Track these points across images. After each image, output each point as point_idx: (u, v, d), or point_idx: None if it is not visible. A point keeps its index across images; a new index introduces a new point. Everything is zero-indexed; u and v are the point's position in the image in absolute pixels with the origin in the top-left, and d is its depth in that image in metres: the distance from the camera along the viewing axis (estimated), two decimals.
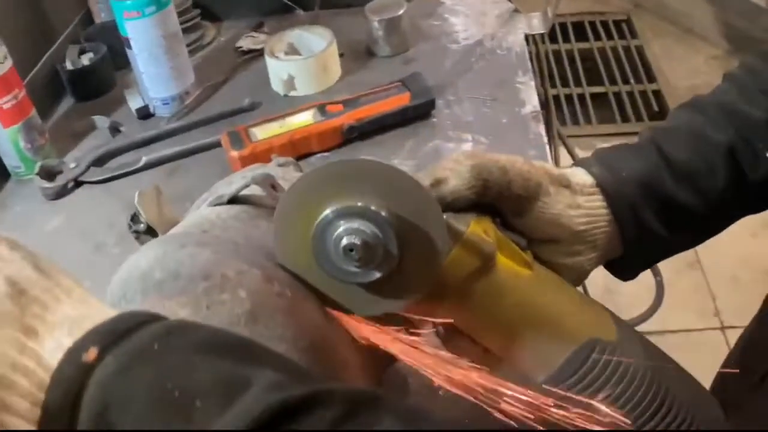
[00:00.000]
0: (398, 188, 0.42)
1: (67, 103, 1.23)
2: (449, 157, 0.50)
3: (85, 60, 1.22)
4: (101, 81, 1.22)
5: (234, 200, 0.55)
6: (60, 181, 1.04)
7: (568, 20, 2.90)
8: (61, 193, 1.04)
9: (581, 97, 2.59)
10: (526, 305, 0.48)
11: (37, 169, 1.03)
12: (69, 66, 1.21)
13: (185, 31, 1.18)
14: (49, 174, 1.05)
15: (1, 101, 0.98)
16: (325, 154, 1.02)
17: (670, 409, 0.46)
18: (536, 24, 1.22)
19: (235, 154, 0.97)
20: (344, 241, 0.42)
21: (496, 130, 1.01)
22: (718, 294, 1.99)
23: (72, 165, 1.05)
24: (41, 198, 1.04)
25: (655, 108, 2.49)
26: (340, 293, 0.45)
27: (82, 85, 1.22)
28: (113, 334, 0.35)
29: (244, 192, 0.55)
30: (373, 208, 0.42)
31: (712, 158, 0.54)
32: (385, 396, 0.36)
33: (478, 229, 0.47)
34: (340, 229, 0.42)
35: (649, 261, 0.57)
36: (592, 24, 2.89)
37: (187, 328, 0.37)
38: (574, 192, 0.52)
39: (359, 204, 0.42)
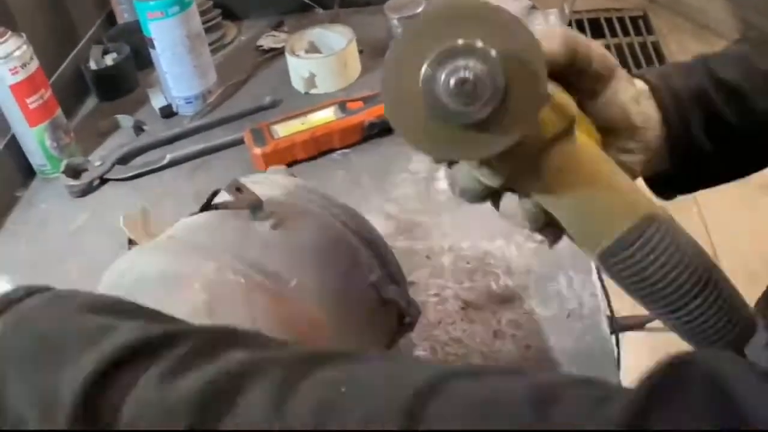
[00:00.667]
0: (504, 26, 0.43)
1: (91, 102, 1.26)
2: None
3: (109, 60, 1.25)
4: (124, 81, 1.25)
5: (206, 207, 0.64)
6: (85, 178, 1.06)
7: (585, 17, 2.89)
8: (87, 190, 1.06)
9: None
10: (596, 175, 0.49)
11: (62, 167, 1.06)
12: (93, 66, 1.23)
13: (207, 30, 1.20)
14: (74, 172, 1.07)
15: (28, 101, 1.01)
16: (346, 150, 1.03)
17: (717, 299, 0.46)
18: (553, 20, 1.23)
19: (257, 151, 0.98)
20: (453, 79, 0.43)
21: None
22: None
23: (97, 163, 1.08)
24: (67, 196, 1.06)
25: None
26: (447, 139, 0.46)
27: (106, 84, 1.24)
28: (6, 303, 0.41)
29: (217, 200, 0.64)
30: (480, 45, 0.43)
31: (759, 83, 0.55)
32: (246, 332, 0.40)
33: (564, 94, 0.48)
34: (450, 67, 0.43)
35: (694, 182, 0.58)
36: (609, 21, 2.89)
37: (72, 295, 0.43)
38: (637, 91, 0.54)
39: (467, 41, 0.43)
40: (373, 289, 0.63)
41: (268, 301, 0.54)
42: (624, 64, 2.58)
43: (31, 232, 1.02)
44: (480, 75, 0.43)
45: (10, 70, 0.97)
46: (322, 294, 0.58)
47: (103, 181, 1.07)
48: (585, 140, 0.50)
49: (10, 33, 0.97)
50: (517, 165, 0.48)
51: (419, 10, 1.19)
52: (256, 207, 0.60)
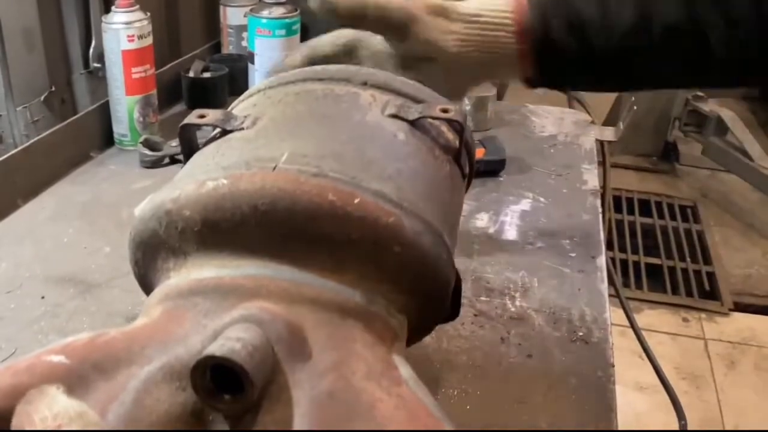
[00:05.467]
0: None
1: (180, 107, 1.38)
2: None
3: (206, 75, 1.38)
4: (214, 95, 1.37)
5: None
6: (159, 153, 1.15)
7: (636, 197, 3.02)
8: (157, 163, 1.15)
9: (636, 264, 2.65)
10: None
11: (142, 138, 1.16)
12: (191, 75, 1.36)
13: None
14: (150, 146, 1.16)
15: (133, 70, 1.12)
16: None
17: None
18: (608, 133, 1.32)
19: None
20: None
21: (556, 195, 1.09)
22: None
23: (173, 144, 1.17)
24: (137, 164, 1.15)
25: (707, 287, 2.53)
26: None
27: (197, 93, 1.36)
28: None
29: None
30: None
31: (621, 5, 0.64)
32: None
33: None
34: None
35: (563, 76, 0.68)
36: (658, 204, 3.00)
37: None
38: (451, 20, 0.65)
39: None
40: None
41: None
42: (666, 243, 2.66)
43: (93, 184, 1.10)
44: None
45: (128, 36, 1.09)
46: None
47: (174, 161, 1.16)
48: None
49: (138, 6, 1.10)
50: None
51: (490, 93, 1.31)
52: None
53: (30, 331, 0.77)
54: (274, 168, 0.48)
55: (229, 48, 1.48)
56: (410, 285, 0.49)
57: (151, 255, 0.52)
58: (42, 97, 1.18)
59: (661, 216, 2.93)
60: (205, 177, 0.49)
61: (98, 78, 1.25)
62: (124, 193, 1.07)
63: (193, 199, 0.48)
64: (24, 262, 0.89)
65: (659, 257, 2.69)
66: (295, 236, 0.46)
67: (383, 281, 0.47)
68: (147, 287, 0.55)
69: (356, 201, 0.45)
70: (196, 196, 0.47)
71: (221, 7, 1.44)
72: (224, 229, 0.47)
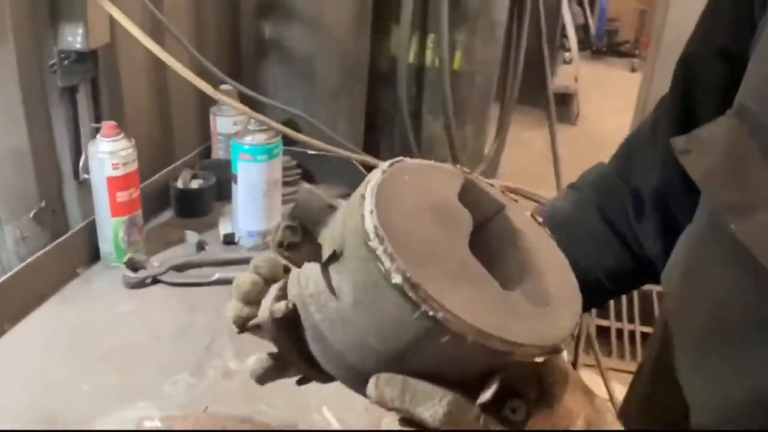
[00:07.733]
0: None
1: (168, 214, 1.41)
2: None
3: (194, 184, 1.42)
4: (201, 205, 1.41)
5: None
6: (141, 274, 1.18)
7: None
8: (139, 284, 1.18)
9: (632, 333, 2.66)
10: None
11: (125, 259, 1.19)
12: (179, 185, 1.40)
13: (284, 183, 1.36)
14: (134, 266, 1.20)
15: (118, 194, 1.16)
16: None
17: None
18: None
19: None
20: None
21: None
22: None
23: (156, 264, 1.21)
24: (121, 284, 1.18)
25: None
26: None
27: (185, 204, 1.40)
28: None
29: None
30: None
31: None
32: None
33: None
34: None
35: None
36: None
37: None
38: None
39: None
40: None
41: None
42: None
43: (80, 305, 1.14)
44: None
45: (113, 164, 1.13)
46: None
47: (155, 281, 1.20)
48: None
49: (123, 134, 1.14)
50: None
51: None
52: None
53: None
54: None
55: (218, 153, 1.52)
56: None
57: None
58: (31, 214, 1.21)
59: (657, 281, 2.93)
60: None
61: (88, 187, 1.29)
62: (108, 318, 1.11)
63: None
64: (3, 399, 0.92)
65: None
66: None
67: None
68: None
69: None
70: None
71: (211, 116, 1.49)
72: None
